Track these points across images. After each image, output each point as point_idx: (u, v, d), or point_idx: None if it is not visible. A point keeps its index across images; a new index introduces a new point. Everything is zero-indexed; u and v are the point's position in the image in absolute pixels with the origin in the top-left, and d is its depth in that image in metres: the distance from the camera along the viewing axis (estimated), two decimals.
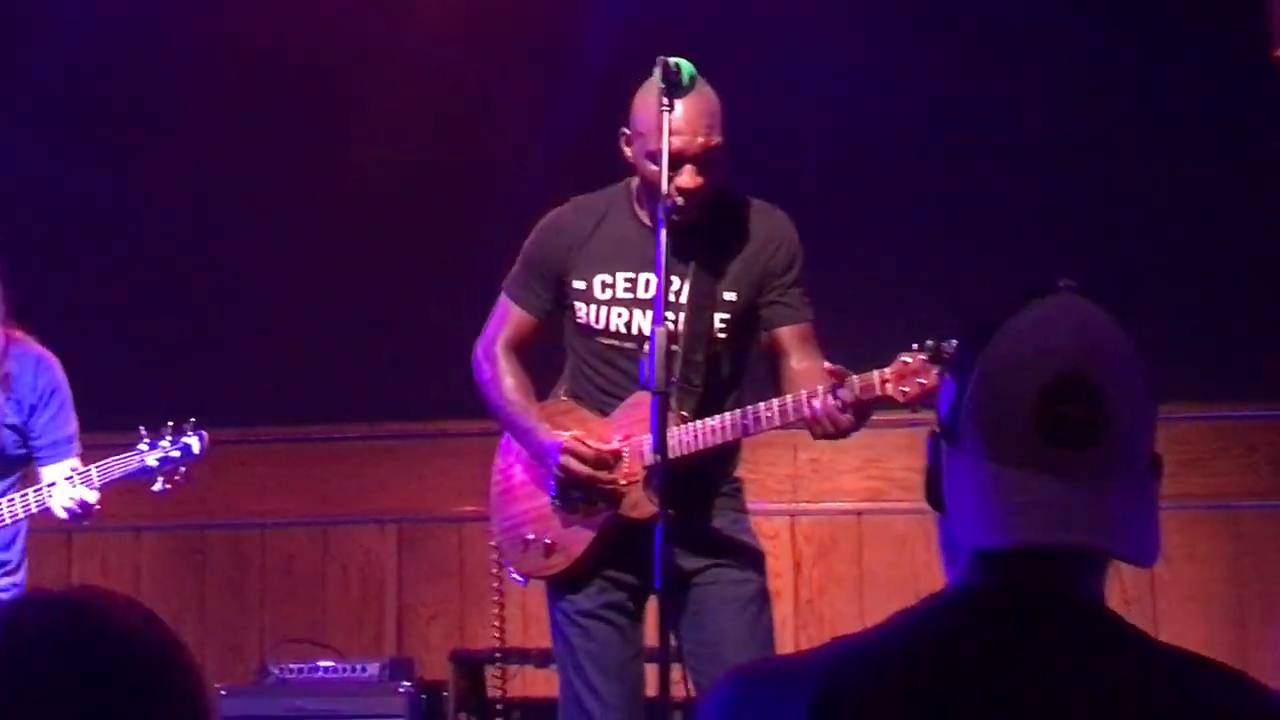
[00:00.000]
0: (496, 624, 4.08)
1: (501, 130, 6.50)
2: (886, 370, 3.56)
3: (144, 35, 6.75)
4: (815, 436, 3.72)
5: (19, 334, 4.48)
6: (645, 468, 3.87)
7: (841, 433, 3.66)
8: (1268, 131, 5.81)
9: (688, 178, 3.69)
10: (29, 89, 6.67)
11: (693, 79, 3.63)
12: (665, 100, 3.58)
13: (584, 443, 3.91)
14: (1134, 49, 6.04)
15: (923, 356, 3.53)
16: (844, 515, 6.30)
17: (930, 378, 3.49)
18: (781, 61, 6.23)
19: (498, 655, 4.09)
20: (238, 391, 6.39)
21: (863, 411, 3.61)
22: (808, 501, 6.29)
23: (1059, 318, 1.59)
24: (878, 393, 3.56)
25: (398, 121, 6.58)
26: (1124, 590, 5.25)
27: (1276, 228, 5.82)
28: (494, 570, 4.25)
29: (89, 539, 6.57)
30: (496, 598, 4.17)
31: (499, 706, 5.04)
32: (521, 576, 4.19)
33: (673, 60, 3.59)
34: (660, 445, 3.43)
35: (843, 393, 3.57)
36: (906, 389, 3.53)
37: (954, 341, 3.43)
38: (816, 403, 3.62)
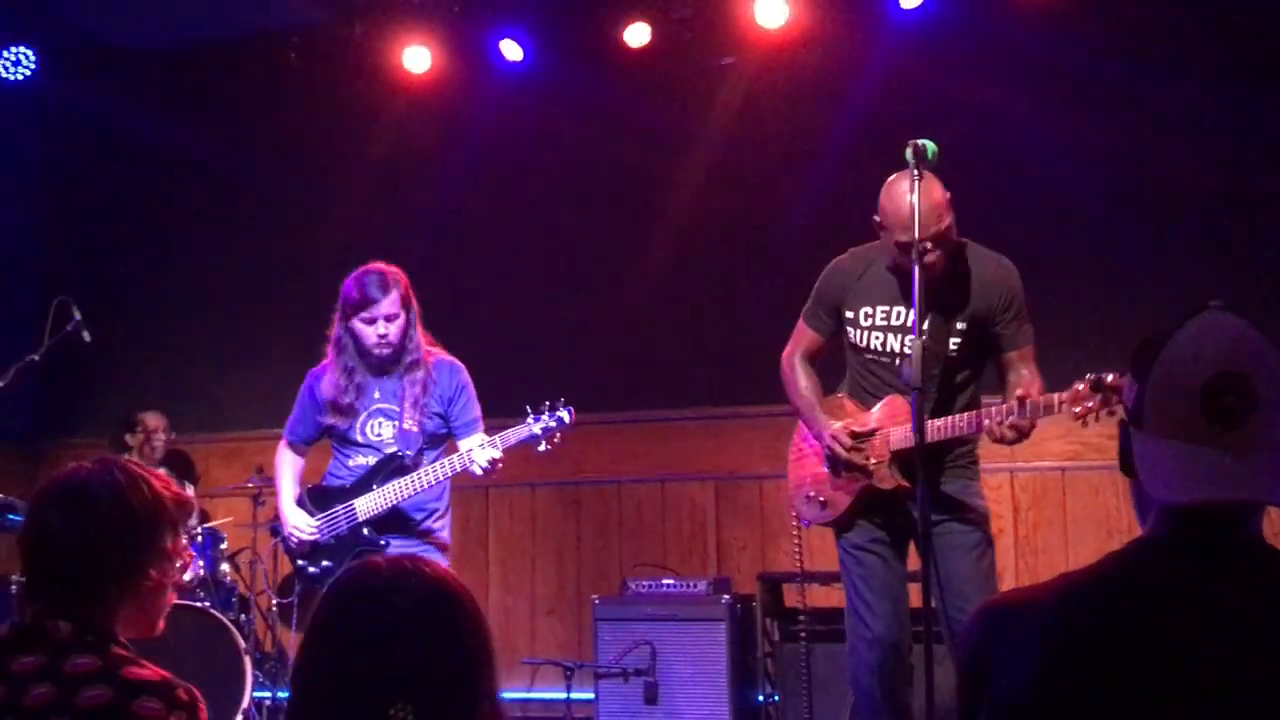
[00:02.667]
0: (797, 553, 4.09)
1: (782, 193, 6.50)
2: (1064, 394, 3.57)
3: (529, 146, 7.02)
4: (992, 440, 3.72)
5: (436, 348, 4.55)
6: (890, 452, 3.87)
7: (1009, 442, 3.69)
8: None
9: (931, 258, 3.64)
10: (456, 171, 7.02)
11: (935, 155, 3.54)
12: (916, 171, 3.52)
13: (849, 432, 3.92)
14: None
15: (1088, 387, 3.52)
16: (1051, 471, 6.12)
17: (1095, 402, 3.51)
18: (991, 135, 6.12)
19: (799, 575, 4.11)
20: (600, 387, 6.47)
21: (1027, 430, 3.65)
22: (1023, 461, 6.10)
23: (1212, 329, 1.59)
24: (1056, 410, 3.59)
25: (704, 189, 6.67)
26: (1270, 526, 5.00)
27: None
28: (793, 519, 4.27)
29: (500, 493, 6.80)
30: (796, 535, 4.19)
31: (800, 614, 4.99)
32: (805, 522, 4.19)
33: (920, 141, 3.52)
34: (919, 427, 3.39)
35: (1019, 420, 3.63)
36: (1076, 409, 3.55)
37: (1111, 374, 3.50)
38: (998, 416, 3.67)
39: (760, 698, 5.80)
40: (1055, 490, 6.12)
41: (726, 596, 5.69)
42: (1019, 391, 3.70)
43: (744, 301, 6.42)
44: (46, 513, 2.03)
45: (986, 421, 3.67)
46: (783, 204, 6.44)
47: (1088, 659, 1.50)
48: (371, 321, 4.36)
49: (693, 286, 6.70)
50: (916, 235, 3.54)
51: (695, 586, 5.80)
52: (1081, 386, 3.52)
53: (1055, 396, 3.57)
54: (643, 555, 6.56)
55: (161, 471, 2.21)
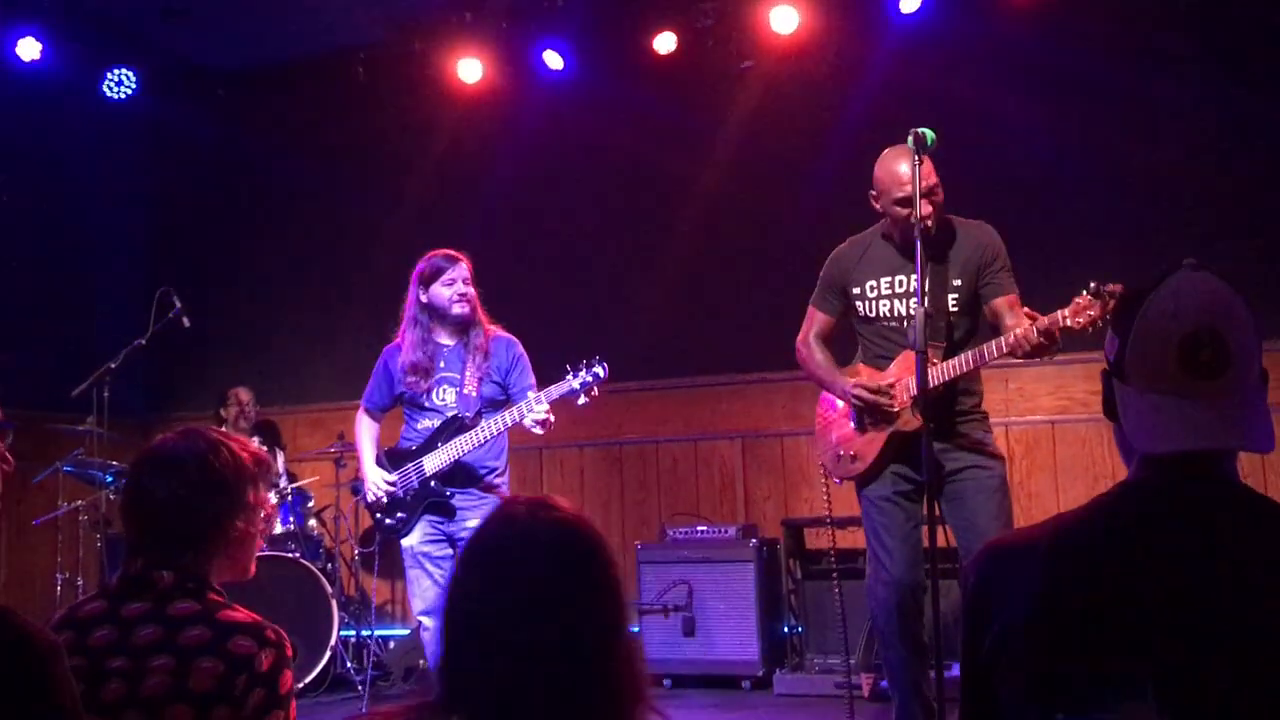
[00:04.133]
0: (826, 501, 4.05)
1: (797, 181, 6.44)
2: (1066, 309, 3.43)
3: (557, 149, 6.99)
4: (1019, 356, 3.57)
5: (493, 325, 4.55)
6: (911, 396, 3.78)
7: (1035, 352, 3.52)
8: None
9: (924, 208, 3.58)
10: (498, 174, 7.00)
11: (934, 141, 3.48)
12: (917, 156, 3.45)
13: (869, 381, 3.87)
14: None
15: (1089, 296, 3.39)
16: (1042, 424, 6.05)
17: (1096, 309, 3.37)
18: (982, 123, 6.02)
19: (828, 520, 4.09)
20: (638, 358, 6.44)
21: (1051, 337, 3.48)
22: (1016, 416, 6.06)
23: (1189, 287, 1.51)
24: (1061, 324, 3.44)
25: (727, 179, 6.61)
26: (1241, 469, 4.88)
27: None
28: (822, 477, 4.18)
29: (552, 453, 6.81)
30: (825, 487, 4.14)
31: (831, 555, 4.86)
32: (839, 480, 4.08)
33: (920, 129, 3.45)
34: (921, 385, 3.31)
35: (1037, 324, 3.48)
36: (1080, 319, 3.39)
37: (1109, 285, 3.35)
38: (1018, 333, 3.53)
39: (785, 629, 5.80)
40: (1046, 441, 6.06)
41: (754, 540, 5.71)
42: (1021, 320, 3.59)
43: (765, 278, 6.37)
44: (143, 479, 2.04)
45: (1020, 334, 3.52)
46: (798, 191, 6.38)
47: (1078, 593, 1.46)
48: (452, 283, 4.41)
49: (720, 267, 6.65)
50: (918, 212, 3.48)
51: (726, 532, 5.82)
52: (1081, 299, 3.40)
53: (1058, 313, 3.44)
54: (679, 506, 6.56)
55: (243, 437, 2.20)
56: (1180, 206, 5.81)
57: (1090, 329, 3.39)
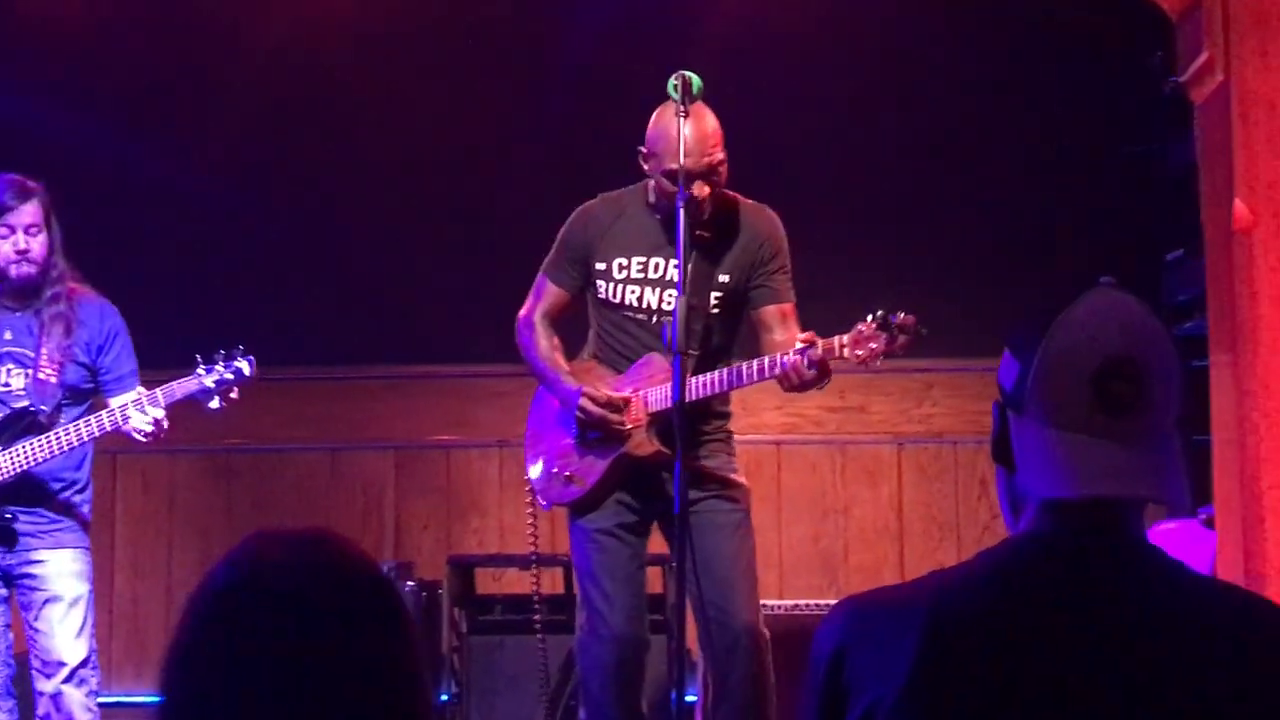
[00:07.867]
0: (532, 537, 4.05)
1: (505, 118, 6.36)
2: (845, 337, 3.58)
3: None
4: (785, 389, 3.74)
5: (80, 286, 4.42)
6: (648, 415, 3.87)
7: (804, 387, 3.69)
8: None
9: (697, 189, 3.68)
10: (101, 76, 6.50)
11: (700, 90, 3.57)
12: (682, 107, 3.52)
13: (599, 390, 3.92)
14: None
15: (874, 325, 3.55)
16: (766, 445, 6.31)
17: (880, 343, 3.54)
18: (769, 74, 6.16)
19: (533, 558, 4.08)
20: (258, 337, 6.21)
21: (824, 370, 3.65)
22: (737, 434, 6.28)
23: (1106, 309, 1.61)
24: (836, 355, 3.60)
25: (413, 102, 6.40)
26: None
27: None
28: (527, 497, 4.22)
29: (130, 459, 6.41)
30: (531, 517, 4.15)
31: (535, 599, 4.73)
32: (546, 503, 4.13)
33: (686, 73, 3.52)
34: (680, 395, 3.41)
35: (811, 353, 3.61)
36: (860, 352, 3.57)
37: (899, 315, 3.53)
38: (788, 360, 3.66)
39: (444, 697, 5.74)
40: (770, 465, 6.34)
41: (410, 583, 5.65)
42: (805, 335, 3.71)
43: (449, 242, 6.27)
44: None
45: (787, 361, 3.64)
46: (510, 131, 6.28)
47: (967, 664, 1.53)
48: (10, 232, 4.23)
49: (385, 219, 6.44)
50: (682, 165, 3.60)
51: None
52: (864, 327, 3.56)
53: (835, 339, 3.60)
54: None
55: None
56: (983, 178, 6.16)
57: (868, 365, 3.59)
